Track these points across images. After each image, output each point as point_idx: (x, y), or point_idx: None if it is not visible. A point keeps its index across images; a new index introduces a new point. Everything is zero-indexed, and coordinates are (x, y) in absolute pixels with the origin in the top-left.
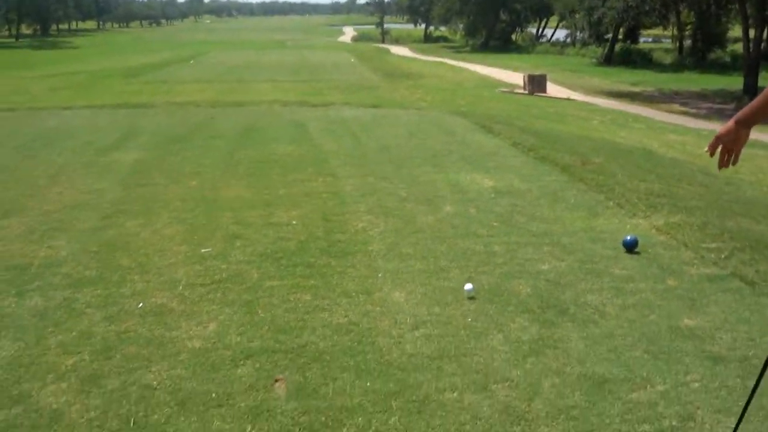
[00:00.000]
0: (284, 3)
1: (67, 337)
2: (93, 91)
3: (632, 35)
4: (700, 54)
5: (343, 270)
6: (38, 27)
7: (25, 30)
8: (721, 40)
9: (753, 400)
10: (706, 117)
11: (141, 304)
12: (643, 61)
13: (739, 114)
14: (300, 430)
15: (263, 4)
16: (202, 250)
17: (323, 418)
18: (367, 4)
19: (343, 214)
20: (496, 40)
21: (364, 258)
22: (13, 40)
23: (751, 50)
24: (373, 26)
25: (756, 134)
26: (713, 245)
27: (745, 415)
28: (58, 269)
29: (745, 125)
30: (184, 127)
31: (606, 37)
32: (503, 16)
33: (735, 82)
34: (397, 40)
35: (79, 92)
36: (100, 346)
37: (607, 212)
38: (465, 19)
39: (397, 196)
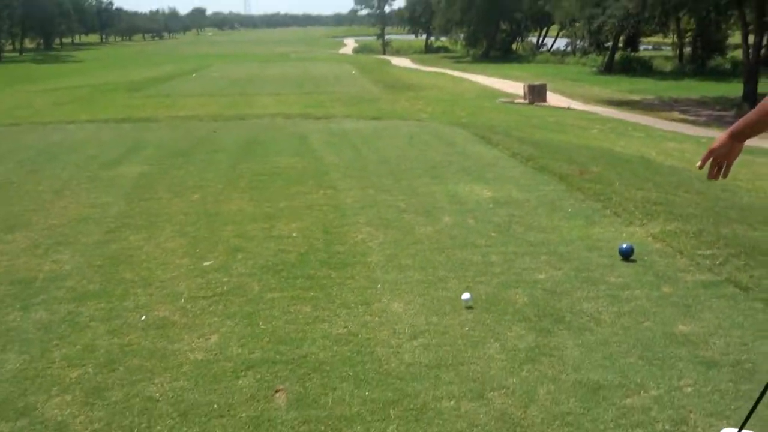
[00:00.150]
0: (286, 15)
1: (72, 350)
2: (96, 105)
3: (632, 43)
4: (700, 61)
5: (343, 281)
6: (41, 41)
7: (29, 44)
8: (721, 47)
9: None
10: (706, 124)
11: (144, 317)
12: (644, 68)
13: (733, 127)
14: None
15: (265, 16)
16: (204, 264)
17: (323, 428)
18: (368, 15)
19: (343, 226)
20: (496, 50)
21: (363, 269)
22: (17, 54)
23: (750, 57)
24: (374, 37)
25: (754, 140)
26: (708, 252)
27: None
28: (62, 283)
29: (739, 139)
30: (187, 141)
31: (606, 45)
32: (503, 26)
33: (735, 89)
34: (398, 51)
35: (83, 106)
36: (103, 358)
37: (604, 221)
38: (465, 30)
39: (396, 208)
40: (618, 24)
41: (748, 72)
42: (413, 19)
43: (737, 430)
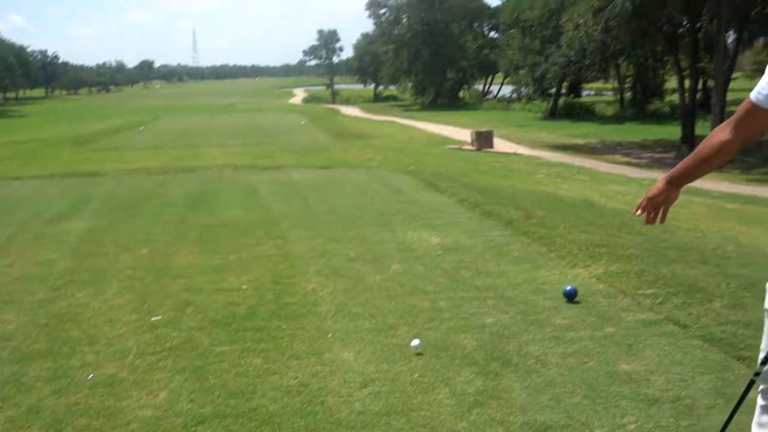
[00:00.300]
0: (234, 66)
1: (17, 412)
2: (42, 159)
3: (575, 89)
4: (640, 105)
5: (293, 332)
6: None
7: None
8: (659, 92)
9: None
10: (648, 166)
11: (91, 376)
12: (587, 113)
13: (670, 174)
14: None
15: (214, 68)
16: (153, 319)
17: None
18: (317, 66)
19: (293, 277)
20: (444, 98)
21: (313, 319)
22: None
23: (686, 100)
24: (324, 87)
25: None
26: (649, 291)
27: None
28: (6, 343)
29: (675, 185)
30: (135, 195)
31: (550, 91)
32: (450, 75)
33: (674, 132)
34: (348, 101)
35: (28, 162)
36: (50, 419)
37: (549, 264)
38: (413, 78)
39: (346, 257)
40: (560, 71)
41: (685, 115)
42: (362, 69)
43: None
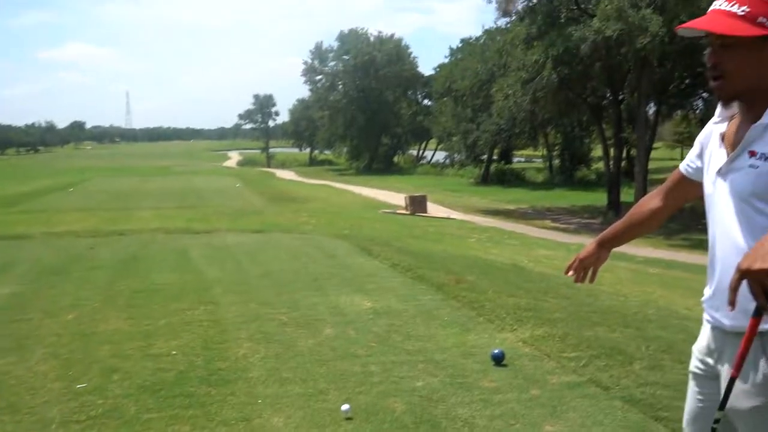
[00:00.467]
0: (169, 129)
1: None
2: None
3: (506, 156)
4: (568, 172)
5: (223, 398)
6: None
7: None
8: (586, 159)
9: None
10: (576, 231)
11: None
12: (517, 179)
13: (601, 236)
14: None
15: (147, 130)
16: (77, 386)
17: None
18: (253, 129)
19: (224, 342)
20: (379, 163)
21: (244, 385)
22: None
23: (611, 168)
24: (259, 151)
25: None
26: (573, 354)
27: None
28: None
29: (606, 247)
30: (63, 259)
31: (482, 158)
32: (385, 140)
33: (600, 198)
34: (283, 164)
35: None
36: None
37: (478, 327)
38: (348, 143)
39: (278, 321)
40: (491, 138)
41: (611, 182)
42: (297, 133)
43: None
